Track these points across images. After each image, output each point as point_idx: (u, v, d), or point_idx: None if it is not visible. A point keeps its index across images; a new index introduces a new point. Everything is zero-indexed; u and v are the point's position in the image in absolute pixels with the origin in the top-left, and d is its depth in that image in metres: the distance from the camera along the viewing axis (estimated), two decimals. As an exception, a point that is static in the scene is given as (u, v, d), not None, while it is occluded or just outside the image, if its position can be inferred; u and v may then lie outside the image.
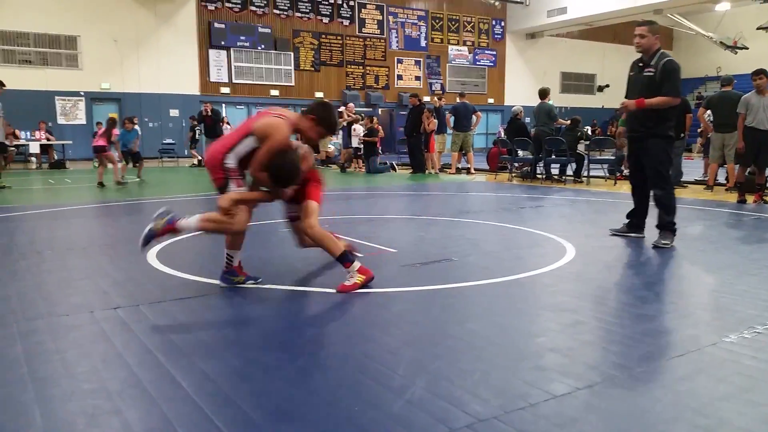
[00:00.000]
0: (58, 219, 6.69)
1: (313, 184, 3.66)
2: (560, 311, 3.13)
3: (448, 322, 2.99)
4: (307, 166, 3.59)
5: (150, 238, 3.34)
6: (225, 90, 21.83)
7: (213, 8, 21.48)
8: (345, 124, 14.47)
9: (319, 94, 23.00)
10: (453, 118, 13.18)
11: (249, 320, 3.08)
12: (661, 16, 23.77)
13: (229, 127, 16.73)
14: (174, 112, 21.09)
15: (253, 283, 3.64)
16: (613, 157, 11.79)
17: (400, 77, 25.97)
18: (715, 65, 29.74)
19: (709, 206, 7.61)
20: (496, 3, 25.80)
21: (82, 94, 19.62)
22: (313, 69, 23.69)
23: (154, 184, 11.48)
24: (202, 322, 3.07)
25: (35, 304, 3.31)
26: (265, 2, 22.45)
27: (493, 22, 28.27)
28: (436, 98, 15.28)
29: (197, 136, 17.85)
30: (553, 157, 11.31)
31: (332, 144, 15.67)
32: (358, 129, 14.03)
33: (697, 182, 10.64)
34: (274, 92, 22.71)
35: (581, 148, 11.70)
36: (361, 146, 13.96)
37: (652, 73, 4.86)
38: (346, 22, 24.35)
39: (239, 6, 21.93)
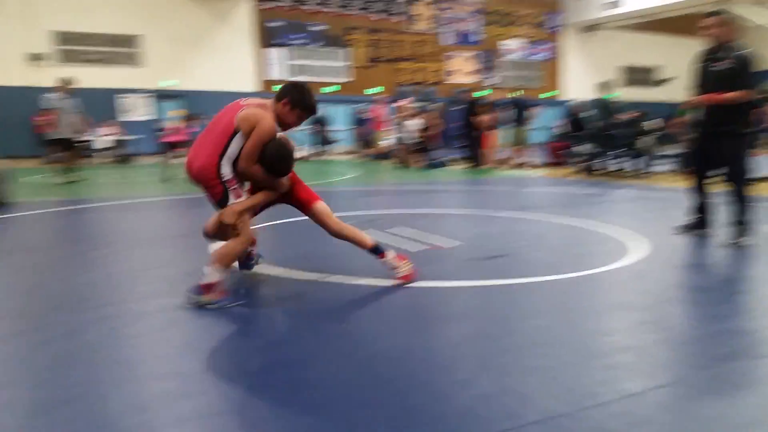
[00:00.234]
0: (139, 211, 6.98)
1: (298, 181, 3.44)
2: (629, 310, 3.03)
3: (512, 317, 2.94)
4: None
5: (200, 305, 3.03)
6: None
7: (267, 7, 21.81)
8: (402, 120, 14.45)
9: (375, 90, 23.08)
10: (508, 112, 12.97)
11: (305, 312, 3.12)
12: (727, 5, 22.57)
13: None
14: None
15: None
16: (679, 152, 11.29)
17: (453, 72, 25.75)
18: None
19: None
20: None
21: (147, 90, 20.37)
22: (370, 65, 23.80)
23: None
24: (271, 313, 3.14)
25: (113, 290, 3.48)
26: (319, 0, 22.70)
27: (548, 16, 27.63)
28: (491, 93, 15.08)
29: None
30: (614, 151, 10.95)
31: (387, 139, 15.70)
32: (415, 124, 13.98)
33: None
34: (333, 89, 22.75)
35: (647, 142, 11.27)
36: (418, 141, 13.90)
37: (725, 66, 4.63)
38: (398, 18, 24.33)
39: (293, 3, 22.22)
